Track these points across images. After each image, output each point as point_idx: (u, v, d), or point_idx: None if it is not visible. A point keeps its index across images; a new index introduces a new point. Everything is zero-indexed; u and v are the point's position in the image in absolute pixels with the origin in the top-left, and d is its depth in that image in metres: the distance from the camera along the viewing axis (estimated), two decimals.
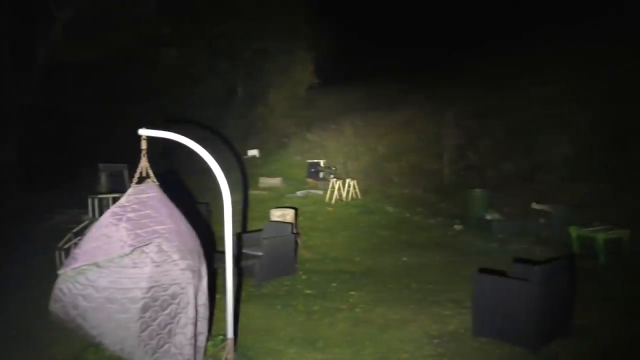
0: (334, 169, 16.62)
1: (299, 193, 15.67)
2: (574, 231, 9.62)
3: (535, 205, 11.24)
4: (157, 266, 4.43)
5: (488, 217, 11.50)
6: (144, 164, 4.76)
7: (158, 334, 4.43)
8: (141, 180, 4.78)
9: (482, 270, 6.48)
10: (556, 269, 5.59)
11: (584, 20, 16.85)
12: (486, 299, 5.64)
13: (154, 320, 4.40)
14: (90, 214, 10.92)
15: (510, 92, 16.35)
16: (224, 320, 5.19)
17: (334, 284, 8.12)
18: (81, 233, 8.90)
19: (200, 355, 4.79)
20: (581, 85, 14.60)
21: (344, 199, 14.87)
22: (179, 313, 4.58)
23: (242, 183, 14.62)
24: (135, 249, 4.35)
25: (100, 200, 10.94)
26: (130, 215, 4.48)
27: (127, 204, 4.55)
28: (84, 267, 4.24)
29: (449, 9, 24.69)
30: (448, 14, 25.01)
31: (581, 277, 7.11)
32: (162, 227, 4.55)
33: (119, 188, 11.13)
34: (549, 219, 10.68)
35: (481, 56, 20.37)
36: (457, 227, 12.02)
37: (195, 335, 4.71)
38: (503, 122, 15.53)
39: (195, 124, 17.65)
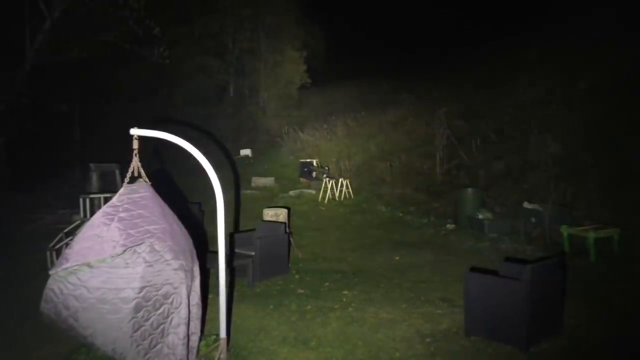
0: (326, 168, 16.64)
1: (291, 192, 15.67)
2: (565, 230, 9.69)
3: (526, 205, 11.30)
4: (150, 266, 4.41)
5: (480, 216, 11.54)
6: (135, 163, 4.74)
7: (150, 334, 4.41)
8: (133, 179, 4.76)
9: (473, 269, 6.52)
10: (547, 268, 5.63)
11: (570, 21, 17.03)
12: (478, 298, 5.67)
13: (147, 320, 4.39)
14: (81, 214, 10.86)
15: (500, 92, 16.46)
16: (216, 320, 5.18)
17: (327, 284, 8.13)
18: (72, 233, 8.85)
19: (193, 355, 4.77)
20: (570, 85, 14.73)
21: (336, 198, 14.89)
22: (172, 313, 4.56)
23: (234, 183, 14.61)
24: (127, 249, 4.33)
25: (91, 200, 10.88)
26: (122, 215, 4.46)
27: (119, 204, 4.52)
28: (75, 268, 4.21)
29: (439, 10, 24.80)
30: (438, 15, 25.13)
31: (572, 275, 7.17)
32: (155, 226, 4.53)
33: (111, 188, 11.09)
34: (540, 218, 10.74)
35: (471, 57, 20.49)
36: (449, 226, 12.07)
37: (188, 335, 4.70)
38: (493, 122, 15.63)
39: (186, 123, 17.61)
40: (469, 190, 12.34)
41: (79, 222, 9.99)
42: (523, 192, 12.29)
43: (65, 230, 9.46)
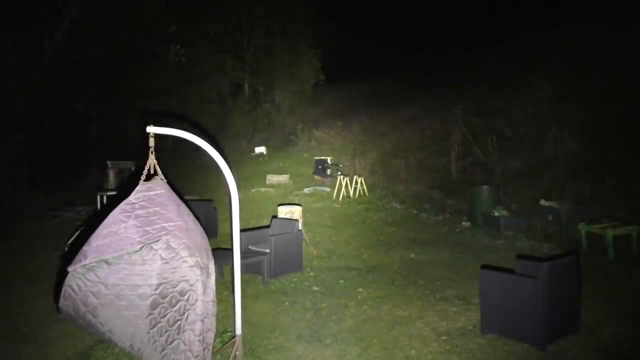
0: (341, 165, 16.62)
1: (306, 190, 15.68)
2: (582, 228, 9.57)
3: (543, 202, 11.19)
4: (166, 263, 4.44)
5: (495, 213, 11.46)
6: (151, 161, 4.77)
7: (167, 331, 4.45)
8: (149, 177, 4.80)
9: (486, 267, 6.46)
10: (564, 265, 5.57)
11: (588, 20, 16.83)
12: (494, 296, 5.64)
13: (163, 316, 4.42)
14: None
15: (516, 89, 16.30)
16: (229, 317, 5.20)
17: (342, 281, 8.13)
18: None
19: (208, 352, 4.80)
20: (587, 83, 14.54)
21: (351, 195, 14.87)
22: (188, 310, 4.59)
23: (247, 181, 14.67)
24: (144, 246, 4.37)
25: (108, 197, 11.00)
26: (139, 212, 4.50)
27: (136, 201, 4.56)
28: (93, 264, 4.26)
29: (454, 9, 24.65)
30: (454, 13, 24.97)
31: (589, 273, 7.09)
32: (171, 224, 4.57)
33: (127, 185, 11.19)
34: (557, 216, 10.62)
35: (488, 54, 20.33)
36: (464, 223, 12.00)
37: (203, 332, 4.73)
38: (509, 119, 15.48)
39: (202, 121, 17.72)
40: (485, 187, 12.25)
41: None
42: (539, 190, 12.17)
43: (83, 227, 9.57)
